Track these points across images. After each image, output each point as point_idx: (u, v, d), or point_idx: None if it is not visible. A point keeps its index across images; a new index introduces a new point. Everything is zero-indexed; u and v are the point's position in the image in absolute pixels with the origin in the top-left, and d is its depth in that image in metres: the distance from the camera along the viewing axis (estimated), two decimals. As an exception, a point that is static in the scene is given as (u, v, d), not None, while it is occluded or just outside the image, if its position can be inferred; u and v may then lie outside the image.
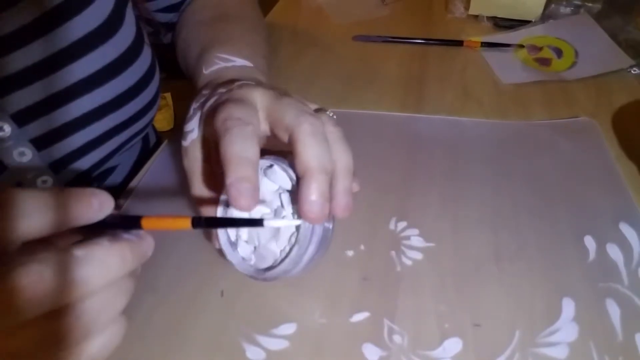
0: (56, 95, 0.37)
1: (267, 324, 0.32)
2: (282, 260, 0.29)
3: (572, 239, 0.37)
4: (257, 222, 0.24)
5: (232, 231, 0.32)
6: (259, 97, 0.30)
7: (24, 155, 0.37)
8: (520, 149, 0.46)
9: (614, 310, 0.32)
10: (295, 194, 0.29)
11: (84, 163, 0.42)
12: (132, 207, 0.42)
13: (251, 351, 0.31)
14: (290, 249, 0.29)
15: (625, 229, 0.37)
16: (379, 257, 0.36)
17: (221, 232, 0.32)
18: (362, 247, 0.37)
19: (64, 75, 0.37)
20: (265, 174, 0.31)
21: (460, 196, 0.41)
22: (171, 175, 0.45)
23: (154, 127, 0.61)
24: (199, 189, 0.34)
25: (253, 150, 0.27)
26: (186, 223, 0.24)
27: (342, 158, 0.29)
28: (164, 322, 0.33)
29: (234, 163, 0.26)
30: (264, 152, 0.30)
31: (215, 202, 0.32)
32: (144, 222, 0.25)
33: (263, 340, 0.32)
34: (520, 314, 0.32)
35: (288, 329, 0.32)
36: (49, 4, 0.36)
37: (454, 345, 0.31)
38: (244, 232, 0.32)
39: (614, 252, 0.35)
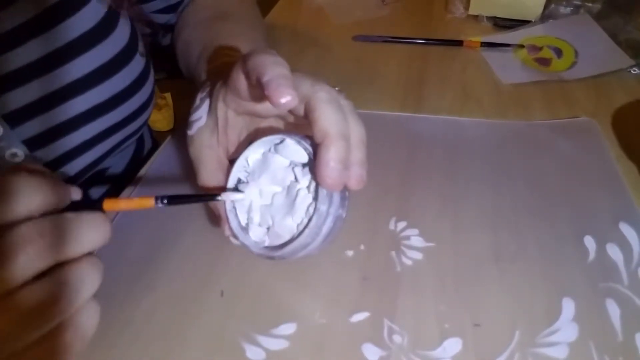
0: (52, 94, 0.37)
1: (267, 324, 0.32)
2: (301, 232, 0.29)
3: (572, 239, 0.37)
4: (212, 197, 0.25)
5: (242, 215, 0.32)
6: None
7: (16, 156, 0.37)
8: (520, 149, 0.45)
9: (614, 310, 0.32)
10: (309, 165, 0.29)
11: (78, 164, 0.42)
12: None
13: (251, 351, 0.31)
14: (309, 220, 0.28)
15: (625, 229, 0.37)
16: (378, 257, 0.36)
17: (232, 218, 0.32)
18: (362, 247, 0.37)
19: (60, 75, 0.37)
20: (276, 150, 0.31)
21: (460, 196, 0.41)
22: (174, 171, 0.45)
23: (150, 132, 0.61)
24: (206, 176, 0.34)
25: (285, 63, 0.27)
26: (149, 202, 0.25)
27: (356, 129, 0.29)
28: (164, 322, 0.33)
29: (269, 64, 0.27)
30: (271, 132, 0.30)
31: (222, 189, 0.32)
32: (106, 204, 0.26)
33: (263, 340, 0.32)
34: (520, 314, 0.32)
35: (288, 329, 0.32)
36: (45, 3, 0.36)
37: (454, 345, 0.31)
38: (257, 214, 0.32)
39: (614, 252, 0.35)
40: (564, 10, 0.66)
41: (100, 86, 0.40)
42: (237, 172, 0.33)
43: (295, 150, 0.30)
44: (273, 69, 0.26)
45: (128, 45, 0.42)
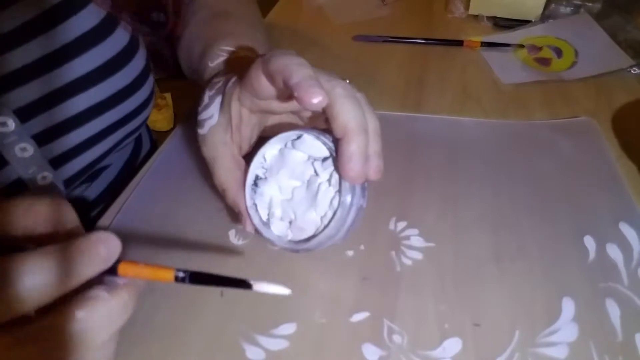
0: (55, 92, 0.38)
1: (267, 324, 0.32)
2: (327, 225, 0.29)
3: (572, 239, 0.37)
4: (245, 284, 0.23)
5: (263, 211, 0.33)
6: None
7: (26, 150, 0.38)
8: (520, 149, 0.45)
9: (613, 310, 0.32)
10: (329, 159, 0.30)
11: (82, 160, 0.42)
12: (132, 205, 0.42)
13: (251, 351, 0.31)
14: (334, 213, 0.29)
15: (625, 229, 0.37)
16: (378, 257, 0.36)
17: (253, 214, 0.32)
18: (361, 247, 0.37)
19: (62, 73, 0.38)
20: (293, 145, 0.32)
21: (460, 196, 0.41)
22: (175, 170, 0.45)
23: (149, 132, 0.62)
24: (223, 174, 0.34)
25: (307, 63, 0.28)
26: (169, 275, 0.23)
27: (372, 121, 0.29)
28: (164, 323, 0.33)
29: (294, 66, 0.27)
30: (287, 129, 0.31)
31: (241, 185, 0.33)
32: (121, 268, 0.23)
33: (263, 340, 0.32)
34: (520, 314, 0.32)
35: (288, 329, 0.32)
36: (47, 3, 0.36)
37: (453, 345, 0.31)
38: (278, 209, 0.32)
39: (614, 252, 0.35)
40: (564, 10, 0.66)
41: (101, 84, 0.40)
42: (255, 169, 0.33)
43: (314, 145, 0.30)
44: (300, 70, 0.27)
45: (129, 44, 0.43)
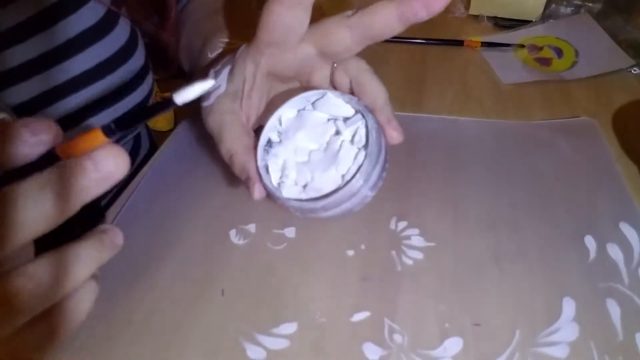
0: (54, 89, 0.38)
1: (268, 324, 0.32)
2: (353, 176, 0.29)
3: (572, 239, 0.37)
4: (168, 103, 0.20)
5: (275, 174, 0.32)
6: None
7: None
8: (520, 149, 0.45)
9: (614, 310, 0.32)
10: (352, 118, 0.31)
11: None
12: (132, 205, 0.42)
13: (252, 350, 0.31)
14: (359, 166, 0.29)
15: (626, 229, 0.37)
16: (379, 256, 0.36)
17: (264, 174, 0.31)
18: (362, 246, 0.37)
19: (61, 71, 0.38)
20: (314, 106, 0.31)
21: (460, 196, 0.41)
22: (176, 169, 0.45)
23: (149, 132, 0.62)
24: (230, 142, 0.33)
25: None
26: (98, 135, 0.21)
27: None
28: (164, 322, 0.33)
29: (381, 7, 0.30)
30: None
31: (251, 150, 0.32)
32: (60, 151, 0.22)
33: (263, 339, 0.32)
34: (520, 314, 0.32)
35: (289, 328, 0.32)
36: (47, 1, 0.36)
37: (454, 344, 0.31)
38: (292, 172, 0.31)
39: (614, 252, 0.35)
40: (565, 10, 0.66)
41: (100, 82, 0.40)
42: (269, 131, 0.32)
43: (337, 104, 0.31)
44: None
45: (128, 42, 0.43)
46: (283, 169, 0.31)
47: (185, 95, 0.19)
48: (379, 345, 0.31)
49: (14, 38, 0.35)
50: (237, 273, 0.36)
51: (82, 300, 0.23)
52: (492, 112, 0.51)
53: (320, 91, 0.31)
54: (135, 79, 0.44)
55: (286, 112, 0.32)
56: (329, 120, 0.31)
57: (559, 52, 0.60)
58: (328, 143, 0.31)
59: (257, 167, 0.31)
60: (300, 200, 0.30)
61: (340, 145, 0.30)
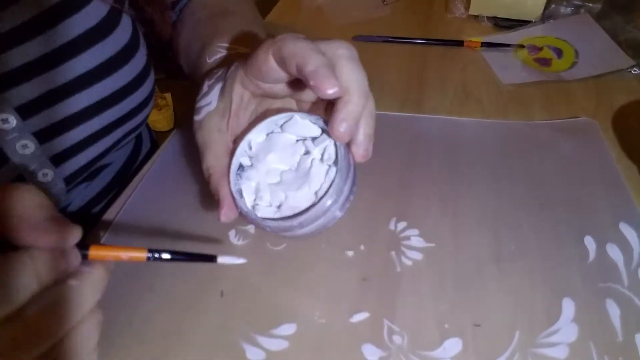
0: (56, 90, 0.38)
1: (267, 324, 0.32)
2: (326, 192, 0.29)
3: (572, 239, 0.37)
4: (210, 258, 0.26)
5: (249, 197, 0.32)
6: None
7: (27, 147, 0.38)
8: (520, 149, 0.45)
9: (614, 310, 0.32)
10: (320, 137, 0.31)
11: (82, 158, 0.42)
12: (132, 205, 0.42)
13: (251, 352, 0.31)
14: (331, 181, 0.29)
15: (625, 229, 0.37)
16: (378, 257, 0.36)
17: (238, 199, 0.32)
18: (362, 247, 0.37)
19: (63, 72, 0.38)
20: (282, 129, 0.32)
21: (460, 196, 0.41)
22: (175, 170, 0.45)
23: (149, 131, 0.62)
24: (212, 160, 0.34)
25: (320, 48, 0.28)
26: (141, 255, 0.25)
27: (369, 102, 0.30)
28: (164, 322, 0.33)
29: (310, 53, 0.27)
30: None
31: (226, 172, 0.32)
32: (92, 252, 0.24)
33: (263, 340, 0.32)
34: (520, 314, 0.32)
35: (288, 329, 0.32)
36: (48, 2, 0.36)
37: (454, 345, 0.31)
38: (266, 193, 0.32)
39: (614, 252, 0.35)
40: (564, 10, 0.66)
41: (102, 82, 0.41)
42: (240, 155, 0.33)
43: (305, 125, 0.31)
44: (315, 58, 0.27)
45: (130, 43, 0.43)
46: (257, 191, 0.32)
47: (224, 260, 0.27)
48: (379, 346, 0.31)
49: (16, 39, 0.35)
50: (236, 274, 0.36)
51: (88, 331, 0.23)
52: (492, 112, 0.51)
53: (288, 114, 0.31)
54: (137, 78, 0.44)
55: (255, 136, 0.33)
56: (297, 141, 0.32)
57: (559, 53, 0.60)
58: (299, 163, 0.31)
59: (230, 192, 0.32)
60: (276, 219, 0.31)
61: (311, 164, 0.31)
